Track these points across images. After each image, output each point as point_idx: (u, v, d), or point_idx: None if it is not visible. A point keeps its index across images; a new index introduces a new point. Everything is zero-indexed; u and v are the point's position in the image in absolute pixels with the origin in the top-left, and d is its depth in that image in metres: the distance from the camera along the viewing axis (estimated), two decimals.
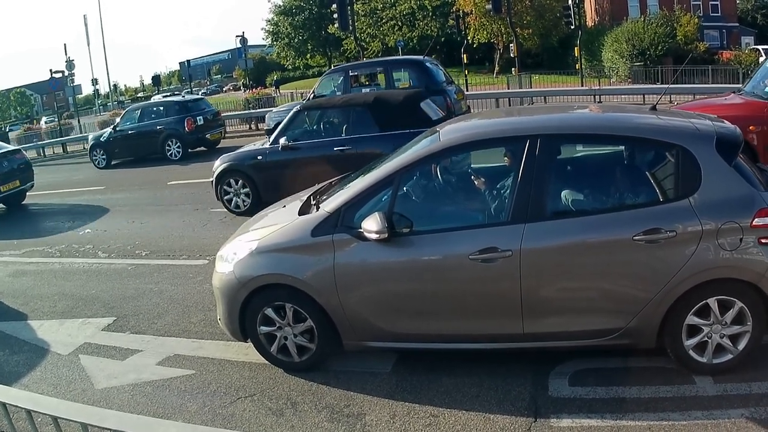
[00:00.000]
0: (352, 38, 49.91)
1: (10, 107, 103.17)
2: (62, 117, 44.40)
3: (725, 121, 5.51)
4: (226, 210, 12.16)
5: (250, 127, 27.06)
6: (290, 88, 48.75)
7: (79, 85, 77.35)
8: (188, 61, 73.77)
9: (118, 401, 5.72)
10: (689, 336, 4.95)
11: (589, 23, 51.83)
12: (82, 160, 27.79)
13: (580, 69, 31.01)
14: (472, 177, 6.22)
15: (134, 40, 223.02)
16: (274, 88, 49.91)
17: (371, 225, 5.10)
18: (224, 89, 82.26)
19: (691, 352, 5.00)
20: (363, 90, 17.27)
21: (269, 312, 5.66)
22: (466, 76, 34.62)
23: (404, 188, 5.65)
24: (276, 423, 5.09)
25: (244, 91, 54.19)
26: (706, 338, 4.95)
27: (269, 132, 17.48)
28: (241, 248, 5.86)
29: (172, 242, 10.76)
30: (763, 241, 4.74)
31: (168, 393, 5.80)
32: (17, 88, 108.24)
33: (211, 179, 12.09)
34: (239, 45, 51.94)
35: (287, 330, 5.67)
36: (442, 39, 58.52)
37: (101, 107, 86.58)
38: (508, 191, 5.33)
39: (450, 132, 5.86)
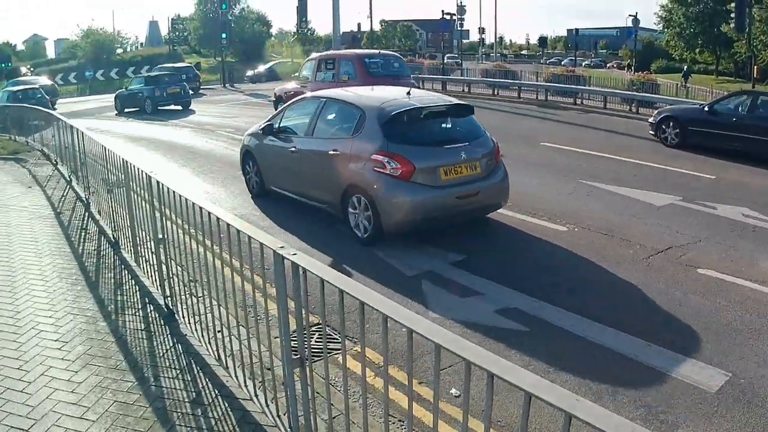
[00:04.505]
0: (744, 42, 45.16)
1: (395, 37, 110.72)
2: (444, 57, 47.04)
3: (409, 103, 9.08)
4: (590, 184, 12.09)
5: (631, 110, 25.87)
6: (673, 79, 44.61)
7: (467, 30, 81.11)
8: (576, 30, 73.13)
9: None
10: (351, 213, 9.02)
11: None
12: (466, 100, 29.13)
13: None
14: (306, 114, 10.48)
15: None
16: (682, 79, 46.50)
17: (260, 126, 11.24)
18: (607, 65, 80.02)
19: (352, 225, 9.03)
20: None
21: (247, 163, 11.81)
22: None
23: (282, 115, 11.07)
24: None
25: (629, 71, 52.12)
26: (357, 216, 8.90)
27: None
28: (249, 131, 11.98)
29: (535, 201, 10.86)
30: (376, 169, 8.45)
31: (496, 341, 5.95)
32: (404, 21, 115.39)
33: None
34: (630, 24, 50.03)
35: (251, 174, 11.68)
36: None
37: (484, 56, 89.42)
38: (309, 122, 10.10)
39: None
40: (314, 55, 22.62)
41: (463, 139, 8.98)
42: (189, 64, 50.00)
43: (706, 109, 17.29)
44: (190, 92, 33.86)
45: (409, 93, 9.52)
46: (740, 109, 16.54)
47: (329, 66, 20.10)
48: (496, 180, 9.05)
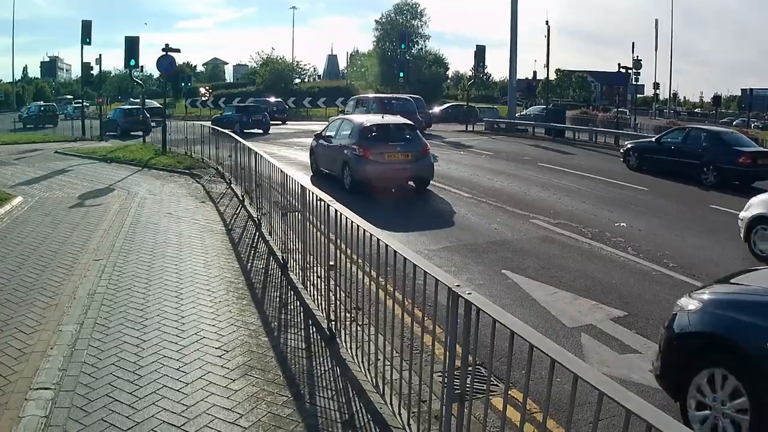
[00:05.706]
0: None
1: (569, 87, 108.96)
2: (617, 111, 46.38)
3: (378, 121, 18.00)
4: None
5: None
6: None
7: (643, 85, 78.71)
8: (751, 90, 69.64)
9: None
10: (344, 175, 17.14)
11: None
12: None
13: None
14: (335, 127, 18.76)
15: (704, 55, 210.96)
16: None
17: (315, 134, 20.12)
18: None
19: (344, 181, 17.04)
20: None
21: (311, 155, 20.98)
22: None
23: (326, 128, 19.56)
24: None
25: None
26: (346, 177, 16.93)
27: None
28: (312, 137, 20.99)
29: (700, 264, 10.49)
30: (354, 152, 16.48)
31: (647, 400, 5.72)
32: (580, 72, 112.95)
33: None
34: None
35: (312, 161, 20.21)
36: None
37: (657, 112, 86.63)
38: (336, 130, 18.50)
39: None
40: (354, 97, 35.99)
41: (402, 141, 16.73)
42: (280, 100, 60.12)
43: (653, 140, 24.42)
44: (273, 121, 45.74)
45: (383, 117, 19.04)
46: (677, 139, 22.84)
47: (363, 104, 31.97)
48: (421, 164, 16.63)
